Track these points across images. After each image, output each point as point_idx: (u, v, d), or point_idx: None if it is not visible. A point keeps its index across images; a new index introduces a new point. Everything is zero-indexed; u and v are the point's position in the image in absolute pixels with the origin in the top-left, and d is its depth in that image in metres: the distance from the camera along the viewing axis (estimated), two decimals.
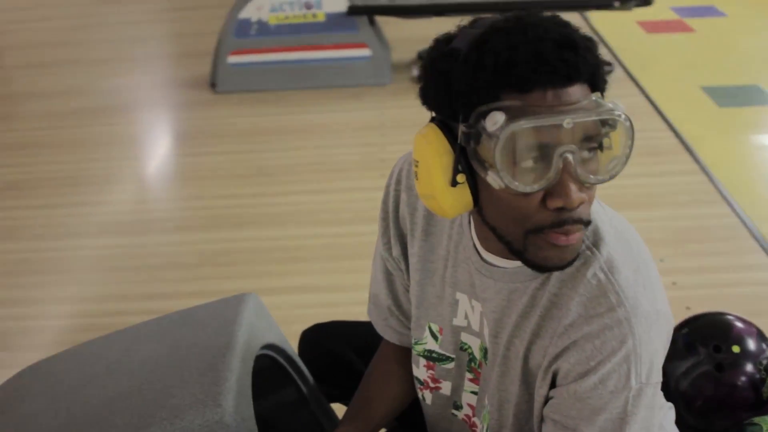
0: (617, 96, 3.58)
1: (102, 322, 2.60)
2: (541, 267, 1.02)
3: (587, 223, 1.00)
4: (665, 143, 3.84)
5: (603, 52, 4.86)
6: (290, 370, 1.56)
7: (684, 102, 4.32)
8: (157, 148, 4.33)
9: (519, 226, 0.99)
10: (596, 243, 1.06)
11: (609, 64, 4.68)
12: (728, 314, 1.60)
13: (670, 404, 1.41)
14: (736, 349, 1.50)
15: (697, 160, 3.63)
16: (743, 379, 1.49)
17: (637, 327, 1.01)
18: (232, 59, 4.69)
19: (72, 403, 1.39)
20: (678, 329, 1.60)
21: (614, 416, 1.02)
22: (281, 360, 1.54)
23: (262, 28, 4.71)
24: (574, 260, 1.02)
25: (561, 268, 1.02)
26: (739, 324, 1.55)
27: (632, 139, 0.98)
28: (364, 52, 4.65)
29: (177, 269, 3.07)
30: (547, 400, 1.09)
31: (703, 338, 1.53)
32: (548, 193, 0.95)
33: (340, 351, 1.59)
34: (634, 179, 3.49)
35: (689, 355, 1.53)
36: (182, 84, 5.03)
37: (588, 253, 1.05)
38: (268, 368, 1.56)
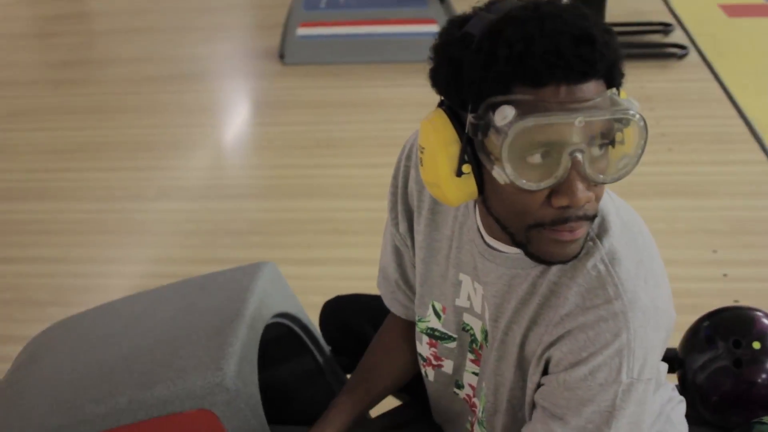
0: (688, 80, 3.52)
1: (152, 284, 2.67)
2: (544, 261, 1.01)
3: (593, 217, 0.98)
4: (733, 131, 3.72)
5: (679, 36, 4.79)
6: (306, 339, 1.59)
7: (759, 89, 4.18)
8: (223, 118, 4.40)
9: (521, 221, 0.97)
10: (600, 234, 1.04)
11: (683, 47, 4.55)
12: (755, 310, 1.55)
13: (681, 398, 1.39)
14: (756, 345, 1.45)
15: (765, 150, 3.51)
16: (763, 376, 1.44)
17: (633, 321, 0.99)
18: (302, 31, 4.72)
19: (90, 358, 1.45)
20: (700, 321, 1.56)
21: (602, 409, 1.01)
22: (297, 329, 1.56)
23: (332, 1, 4.74)
24: (578, 254, 1.01)
25: (564, 262, 1.01)
26: (765, 320, 1.51)
27: (645, 139, 0.95)
28: (432, 27, 4.63)
29: (228, 236, 3.13)
30: (539, 387, 1.09)
31: (723, 332, 1.49)
32: (554, 191, 0.93)
33: (358, 323, 1.61)
34: (695, 166, 3.42)
35: (708, 349, 1.49)
36: (252, 55, 5.11)
37: (590, 243, 1.03)
38: (285, 337, 1.59)
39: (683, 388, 1.53)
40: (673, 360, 1.55)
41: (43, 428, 1.33)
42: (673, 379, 1.53)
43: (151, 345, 1.40)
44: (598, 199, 0.97)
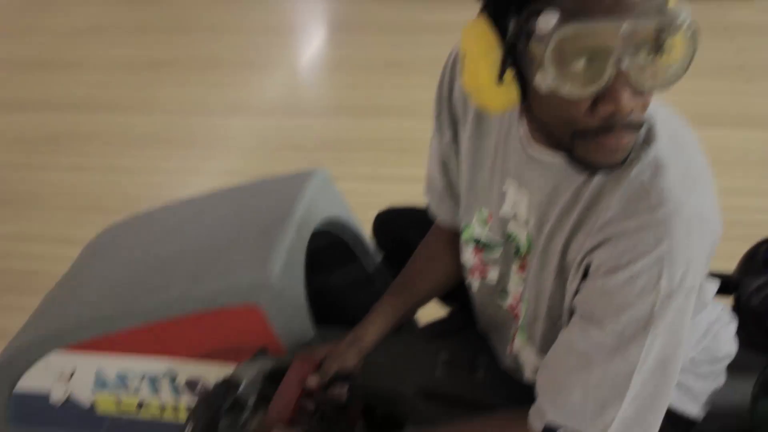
0: None
1: None
2: (589, 168, 0.99)
3: (639, 126, 0.96)
4: None
5: None
6: (355, 248, 1.61)
7: None
8: (295, 37, 4.41)
9: (566, 128, 0.95)
10: (647, 141, 1.01)
11: None
12: None
13: (731, 318, 1.37)
14: None
15: None
16: None
17: (676, 230, 0.97)
18: None
19: (144, 254, 1.50)
20: (759, 245, 1.52)
21: (640, 316, 0.99)
22: (346, 236, 1.58)
23: None
24: (624, 162, 0.98)
25: (610, 169, 0.99)
26: None
27: (695, 47, 0.91)
28: None
29: (294, 152, 3.17)
30: (577, 294, 1.08)
31: None
32: (599, 98, 0.90)
33: (409, 235, 1.61)
34: None
35: (765, 272, 1.45)
36: None
37: (636, 151, 1.01)
38: (336, 245, 1.61)
39: (737, 311, 1.50)
40: (728, 283, 1.52)
41: (99, 317, 1.39)
42: (727, 303, 1.51)
43: (202, 243, 1.43)
44: (644, 107, 0.95)
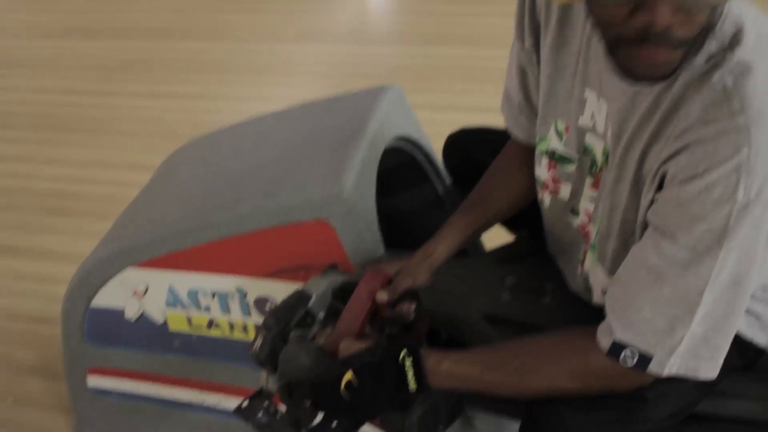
0: None
1: None
2: (630, 76, 0.96)
3: (681, 43, 0.91)
4: None
5: None
6: (427, 167, 1.59)
7: None
8: None
9: (605, 33, 0.93)
10: (733, 44, 0.96)
11: None
12: None
13: None
14: None
15: None
16: None
17: (757, 137, 0.92)
18: None
19: (219, 170, 1.51)
20: None
21: (714, 228, 0.95)
22: (417, 156, 1.56)
23: None
24: (667, 76, 0.95)
25: (652, 81, 0.96)
26: None
27: None
28: None
29: (364, 79, 3.13)
30: (651, 205, 1.04)
31: None
32: (637, 6, 0.87)
33: (481, 156, 1.57)
34: None
35: None
36: None
37: (721, 55, 0.96)
38: (407, 166, 1.59)
39: None
40: None
41: (172, 233, 1.41)
42: None
43: (276, 159, 1.43)
44: (691, 24, 0.89)
